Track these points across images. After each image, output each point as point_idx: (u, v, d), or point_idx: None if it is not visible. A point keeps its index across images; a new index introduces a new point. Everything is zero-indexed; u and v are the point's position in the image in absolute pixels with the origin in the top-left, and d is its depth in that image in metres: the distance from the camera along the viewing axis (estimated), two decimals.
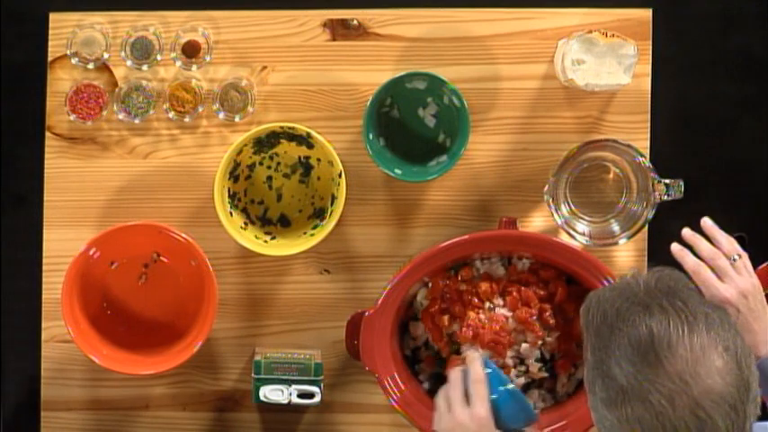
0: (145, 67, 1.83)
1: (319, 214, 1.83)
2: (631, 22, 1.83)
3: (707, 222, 1.65)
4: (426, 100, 1.82)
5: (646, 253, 1.85)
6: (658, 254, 1.85)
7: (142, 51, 1.83)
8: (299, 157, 1.83)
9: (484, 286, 1.77)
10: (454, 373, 1.60)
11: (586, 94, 1.83)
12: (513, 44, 1.84)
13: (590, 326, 1.35)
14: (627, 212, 1.82)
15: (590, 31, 1.76)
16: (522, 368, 1.77)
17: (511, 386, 1.60)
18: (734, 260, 1.60)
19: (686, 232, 1.65)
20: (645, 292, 1.32)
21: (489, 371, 1.61)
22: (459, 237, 1.74)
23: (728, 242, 1.63)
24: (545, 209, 1.82)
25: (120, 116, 1.83)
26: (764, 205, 1.87)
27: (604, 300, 1.35)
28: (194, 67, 1.83)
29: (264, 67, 1.84)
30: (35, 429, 1.85)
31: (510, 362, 1.76)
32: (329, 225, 1.76)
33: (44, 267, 1.85)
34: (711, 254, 1.61)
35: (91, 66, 1.83)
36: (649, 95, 1.85)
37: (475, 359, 1.61)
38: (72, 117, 1.82)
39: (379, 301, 1.74)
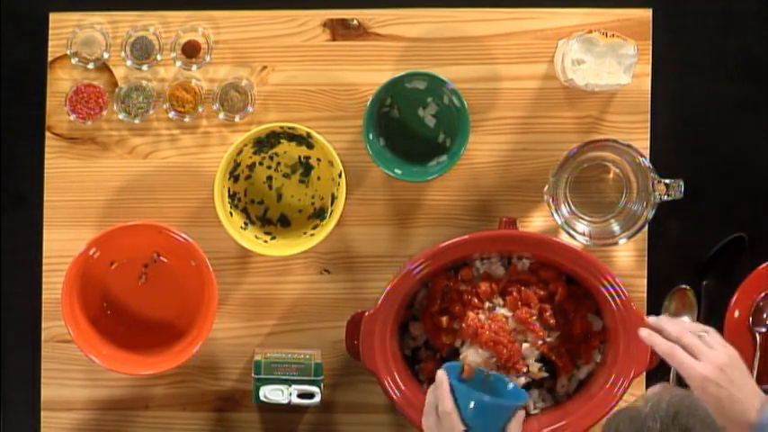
0: (145, 67, 1.83)
1: (319, 214, 1.83)
2: (631, 22, 1.83)
3: (654, 321, 1.64)
4: (426, 100, 1.82)
5: (646, 253, 1.85)
6: (658, 254, 1.85)
7: (142, 51, 1.83)
8: (299, 157, 1.83)
9: (484, 286, 1.77)
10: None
11: (586, 94, 1.83)
12: (513, 44, 1.84)
13: None
14: (627, 212, 1.82)
15: (590, 31, 1.76)
16: (523, 368, 1.77)
17: (484, 399, 1.61)
18: (700, 336, 1.59)
19: (650, 319, 1.64)
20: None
21: (458, 388, 1.62)
22: (459, 237, 1.74)
23: (689, 322, 1.65)
24: (545, 209, 1.82)
25: (120, 116, 1.83)
26: (764, 205, 1.87)
27: None
28: (194, 67, 1.83)
29: (264, 67, 1.84)
30: (35, 429, 1.85)
31: (523, 380, 1.77)
32: (329, 225, 1.76)
33: (44, 267, 1.85)
34: (679, 333, 1.60)
35: (91, 66, 1.83)
36: (649, 95, 1.84)
37: (442, 381, 1.62)
38: (72, 117, 1.82)
39: (379, 301, 1.74)
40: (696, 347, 1.58)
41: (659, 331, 1.62)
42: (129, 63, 1.83)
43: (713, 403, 1.54)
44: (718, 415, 1.53)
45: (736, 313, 1.85)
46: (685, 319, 1.63)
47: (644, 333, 1.62)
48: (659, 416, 1.37)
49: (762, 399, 1.55)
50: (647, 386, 1.84)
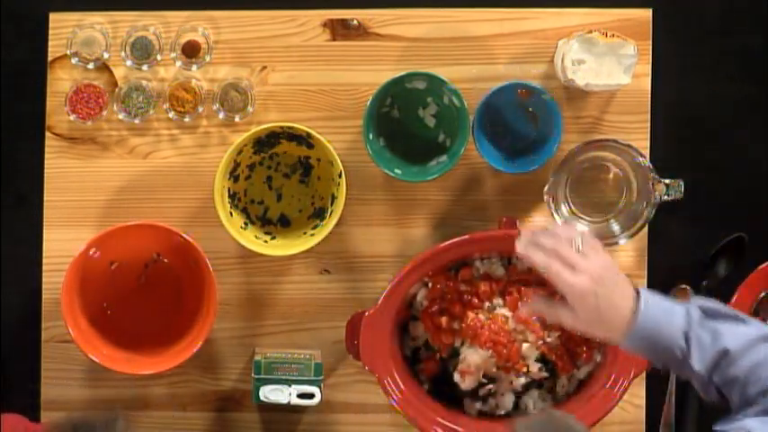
0: (145, 67, 1.83)
1: (319, 214, 1.83)
2: (631, 22, 1.83)
3: (528, 235, 1.59)
4: (426, 100, 1.82)
5: (646, 253, 1.85)
6: (658, 254, 1.85)
7: (142, 51, 1.83)
8: (299, 157, 1.83)
9: (484, 286, 1.77)
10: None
11: (586, 94, 1.83)
12: (513, 44, 1.84)
13: None
14: (627, 212, 1.82)
15: (590, 31, 1.76)
16: (523, 368, 1.77)
17: None
18: (578, 248, 1.55)
19: (524, 233, 1.59)
20: None
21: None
22: (459, 237, 1.74)
23: (564, 230, 1.58)
24: (545, 209, 1.82)
25: (120, 116, 1.83)
26: (764, 205, 1.87)
27: None
28: (194, 67, 1.83)
29: (264, 67, 1.84)
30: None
31: (523, 380, 1.77)
32: (329, 225, 1.76)
33: (44, 267, 1.85)
34: (554, 245, 1.56)
35: (91, 66, 1.83)
36: (649, 95, 1.85)
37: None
38: (72, 117, 1.82)
39: (379, 301, 1.74)
40: (571, 259, 1.54)
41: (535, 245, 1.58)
42: (129, 63, 1.83)
43: (593, 313, 1.53)
44: (598, 324, 1.53)
45: None
46: (557, 229, 1.59)
47: (521, 248, 1.57)
48: None
49: (632, 295, 1.54)
50: (648, 386, 1.85)
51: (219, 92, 1.83)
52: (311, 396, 1.77)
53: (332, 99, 1.84)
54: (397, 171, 1.79)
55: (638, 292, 1.53)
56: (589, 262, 1.54)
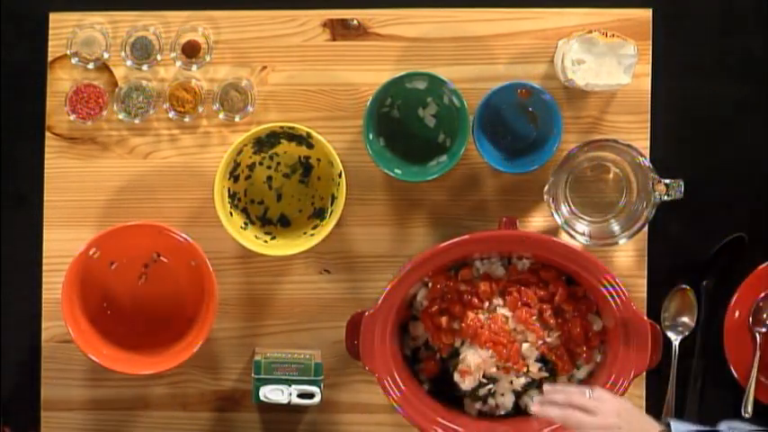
0: (145, 67, 1.83)
1: (319, 214, 1.83)
2: (631, 22, 1.83)
3: (540, 398, 1.65)
4: (426, 100, 1.82)
5: (646, 253, 1.85)
6: (658, 254, 1.85)
7: (142, 51, 1.83)
8: (299, 157, 1.83)
9: (484, 286, 1.77)
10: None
11: (586, 94, 1.83)
12: (513, 44, 1.84)
13: None
14: (627, 212, 1.82)
15: (590, 31, 1.76)
16: (523, 368, 1.77)
17: None
18: (590, 395, 1.61)
19: (537, 400, 1.64)
20: None
21: None
22: (459, 237, 1.74)
23: (575, 388, 1.65)
24: (545, 209, 1.82)
25: (120, 116, 1.83)
26: (764, 205, 1.87)
27: None
28: (194, 67, 1.83)
29: (264, 67, 1.84)
30: (35, 429, 1.85)
31: (523, 380, 1.77)
32: (329, 225, 1.76)
33: (44, 267, 1.85)
34: (567, 399, 1.61)
35: (91, 66, 1.83)
36: (649, 95, 1.85)
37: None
38: (72, 117, 1.82)
39: (379, 301, 1.74)
40: (588, 405, 1.60)
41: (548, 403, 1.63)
42: (129, 63, 1.83)
43: None
44: None
45: (736, 313, 1.86)
46: (566, 390, 1.65)
47: (536, 409, 1.63)
48: None
49: (659, 427, 1.59)
50: (648, 386, 1.85)
51: (219, 92, 1.83)
52: (311, 396, 1.77)
53: (332, 99, 1.84)
54: (397, 171, 1.79)
55: (667, 425, 1.58)
56: (605, 404, 1.60)
